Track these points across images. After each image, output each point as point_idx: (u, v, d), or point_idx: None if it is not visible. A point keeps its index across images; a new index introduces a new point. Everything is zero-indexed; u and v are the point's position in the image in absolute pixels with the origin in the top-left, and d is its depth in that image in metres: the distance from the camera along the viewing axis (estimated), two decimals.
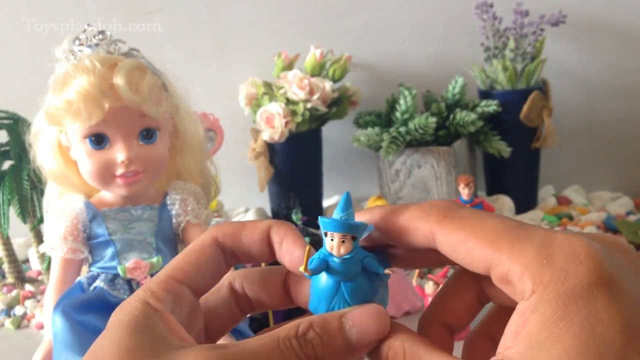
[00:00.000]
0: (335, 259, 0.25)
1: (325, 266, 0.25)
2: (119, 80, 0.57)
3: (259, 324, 0.66)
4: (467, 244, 0.23)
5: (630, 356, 0.20)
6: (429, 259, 0.27)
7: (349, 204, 0.26)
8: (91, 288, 0.59)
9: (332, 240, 0.25)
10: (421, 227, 0.25)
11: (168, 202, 0.64)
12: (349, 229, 0.25)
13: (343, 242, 0.25)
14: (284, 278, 0.28)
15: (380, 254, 0.27)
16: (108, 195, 0.63)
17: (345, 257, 0.25)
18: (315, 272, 0.26)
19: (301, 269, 0.25)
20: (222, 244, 0.27)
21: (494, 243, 0.23)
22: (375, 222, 0.26)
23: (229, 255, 0.28)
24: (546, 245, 0.22)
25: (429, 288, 0.64)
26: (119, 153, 0.59)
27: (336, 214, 0.25)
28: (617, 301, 0.20)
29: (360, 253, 0.26)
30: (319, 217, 0.26)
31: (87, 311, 0.56)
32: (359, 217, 0.26)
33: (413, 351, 0.23)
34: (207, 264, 0.27)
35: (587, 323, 0.20)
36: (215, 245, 0.27)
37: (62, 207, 0.62)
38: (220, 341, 0.27)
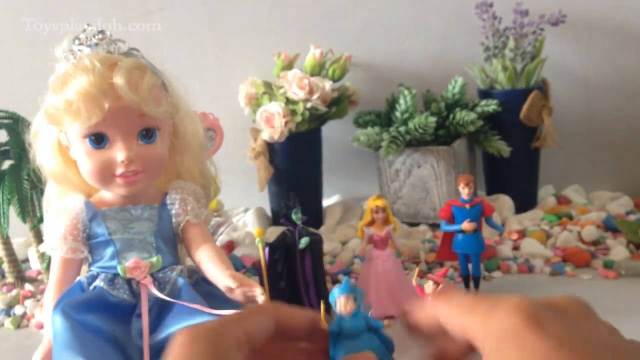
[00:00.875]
0: (345, 317, 0.38)
1: (339, 324, 0.38)
2: (119, 80, 0.57)
3: None
4: (454, 318, 0.32)
5: None
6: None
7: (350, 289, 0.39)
8: (91, 288, 0.59)
9: (340, 303, 0.39)
10: (431, 314, 0.34)
11: (168, 202, 0.64)
12: (350, 291, 0.38)
13: (348, 301, 0.39)
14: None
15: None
16: (108, 195, 0.63)
17: (352, 314, 0.38)
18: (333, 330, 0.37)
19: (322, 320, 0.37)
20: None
21: (464, 314, 0.31)
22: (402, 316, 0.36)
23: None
24: (492, 307, 0.29)
25: (429, 288, 0.64)
26: (119, 153, 0.59)
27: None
28: (541, 336, 0.26)
29: (363, 314, 0.38)
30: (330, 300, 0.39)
31: (88, 311, 0.56)
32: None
33: None
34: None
35: (521, 353, 0.26)
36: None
37: (62, 207, 0.62)
38: None
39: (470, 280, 0.77)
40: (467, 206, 0.74)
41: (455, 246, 0.76)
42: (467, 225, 0.73)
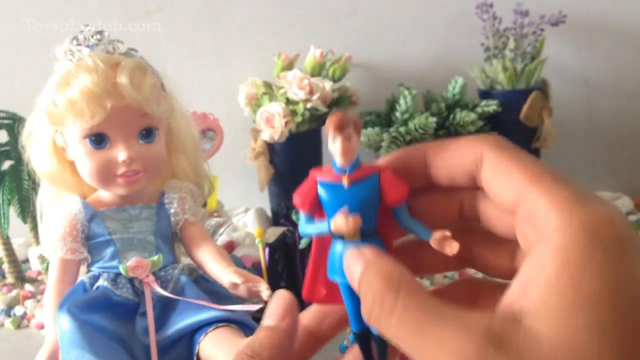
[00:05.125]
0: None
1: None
2: (122, 79, 0.57)
3: (259, 324, 0.66)
4: (509, 172, 0.23)
5: None
6: (436, 261, 0.28)
7: None
8: (94, 288, 0.59)
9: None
10: (474, 149, 0.24)
11: (165, 201, 0.64)
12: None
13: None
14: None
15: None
16: (105, 195, 0.63)
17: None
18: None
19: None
20: None
21: (535, 177, 0.22)
22: (429, 144, 0.26)
23: None
24: (585, 195, 0.21)
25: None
26: (120, 153, 0.59)
27: None
28: None
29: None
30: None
31: (92, 310, 0.56)
32: (412, 147, 0.27)
33: (409, 290, 0.22)
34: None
35: (615, 276, 0.19)
36: None
37: (59, 208, 0.62)
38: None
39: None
40: (345, 180, 0.27)
41: (331, 271, 0.28)
42: (340, 221, 0.26)
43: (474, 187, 0.25)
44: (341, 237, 0.26)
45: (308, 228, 0.28)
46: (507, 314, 0.20)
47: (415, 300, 0.21)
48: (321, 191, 0.27)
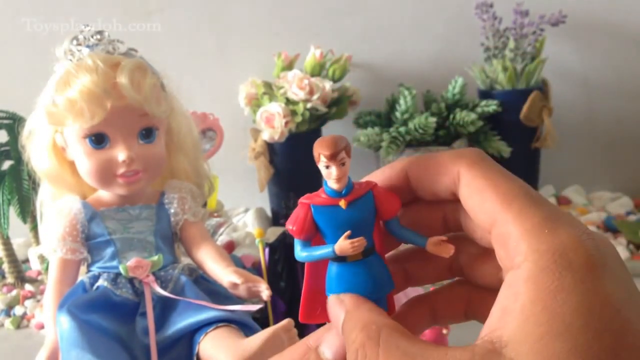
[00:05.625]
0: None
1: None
2: (122, 79, 0.57)
3: (259, 324, 0.66)
4: (483, 193, 0.23)
5: (626, 337, 0.19)
6: (435, 270, 0.28)
7: None
8: (94, 288, 0.59)
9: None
10: (452, 167, 0.25)
11: (165, 201, 0.64)
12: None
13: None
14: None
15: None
16: (105, 195, 0.63)
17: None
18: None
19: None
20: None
21: (505, 201, 0.22)
22: (409, 162, 0.26)
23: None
24: (553, 219, 0.21)
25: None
26: (120, 153, 0.59)
27: None
28: (613, 284, 0.20)
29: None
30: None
31: (92, 311, 0.56)
32: (392, 166, 0.27)
33: (389, 337, 0.22)
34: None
35: (586, 299, 0.19)
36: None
37: (59, 208, 0.62)
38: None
39: None
40: (342, 203, 0.27)
41: (328, 290, 0.28)
42: (345, 245, 0.26)
43: (457, 200, 0.25)
44: (342, 259, 0.26)
45: (305, 254, 0.27)
46: (487, 344, 0.20)
47: (396, 344, 0.21)
48: (318, 216, 0.27)
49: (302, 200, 0.27)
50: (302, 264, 0.28)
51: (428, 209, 0.27)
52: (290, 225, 0.27)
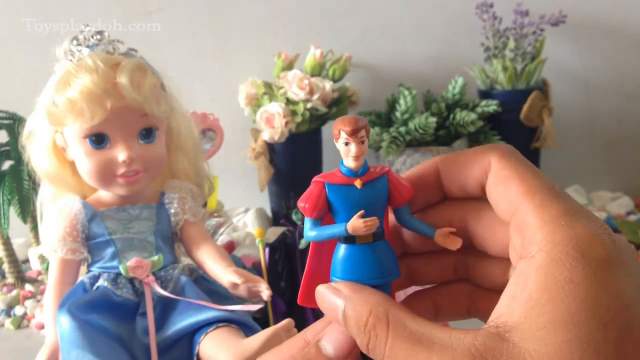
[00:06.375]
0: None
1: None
2: (122, 79, 0.57)
3: (259, 324, 0.66)
4: (509, 183, 0.24)
5: (632, 332, 0.19)
6: (441, 269, 0.28)
7: None
8: (94, 288, 0.59)
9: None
10: (483, 158, 0.25)
11: (165, 201, 0.64)
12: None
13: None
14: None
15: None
16: (105, 196, 0.63)
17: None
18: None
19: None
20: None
21: (529, 192, 0.23)
22: (441, 157, 0.27)
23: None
24: (572, 212, 0.22)
25: None
26: (120, 153, 0.59)
27: None
28: (626, 280, 0.20)
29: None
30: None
31: (93, 311, 0.56)
32: (424, 162, 0.28)
33: (397, 318, 0.22)
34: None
35: (595, 291, 0.20)
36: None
37: (60, 208, 0.62)
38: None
39: None
40: (358, 183, 0.28)
41: (334, 273, 0.28)
42: (358, 224, 0.26)
43: (481, 199, 0.26)
44: (351, 240, 0.26)
45: (315, 233, 0.27)
46: (492, 329, 0.20)
47: (403, 324, 0.22)
48: (332, 195, 0.27)
49: (317, 178, 0.27)
50: (302, 263, 0.28)
51: (435, 217, 0.28)
52: (302, 203, 0.27)
